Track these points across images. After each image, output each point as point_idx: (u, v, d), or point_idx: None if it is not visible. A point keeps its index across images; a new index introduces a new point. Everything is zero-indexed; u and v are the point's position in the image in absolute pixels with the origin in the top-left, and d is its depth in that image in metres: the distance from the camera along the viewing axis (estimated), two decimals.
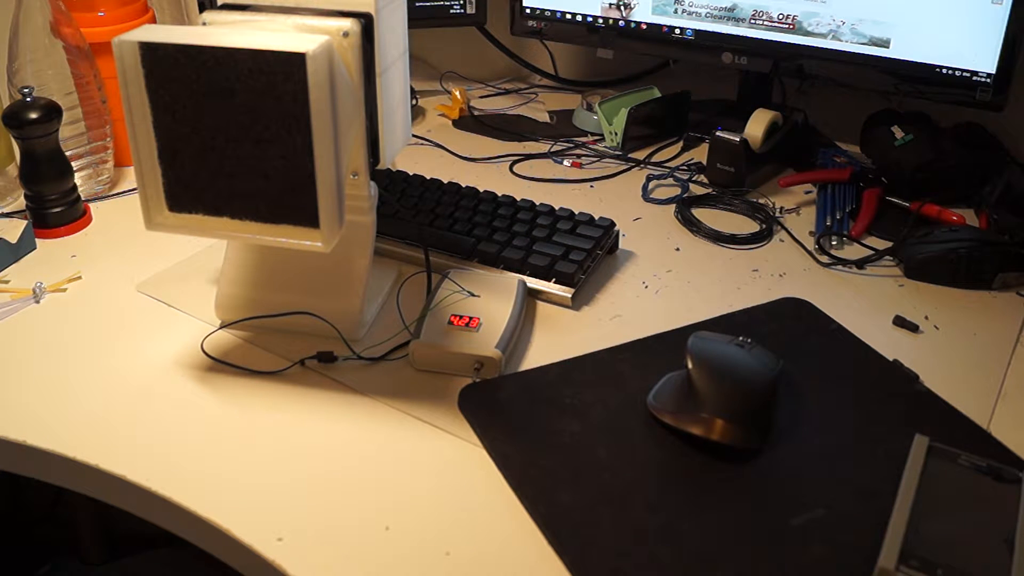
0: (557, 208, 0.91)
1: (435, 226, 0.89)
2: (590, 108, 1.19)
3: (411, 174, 0.98)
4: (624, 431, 0.67)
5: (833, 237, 0.94)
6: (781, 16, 1.07)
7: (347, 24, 0.67)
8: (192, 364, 0.75)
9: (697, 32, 1.13)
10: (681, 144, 1.15)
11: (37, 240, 0.92)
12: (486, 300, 0.78)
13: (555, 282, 0.83)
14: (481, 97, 1.30)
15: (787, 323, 0.79)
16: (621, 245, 0.91)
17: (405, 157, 1.11)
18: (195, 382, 0.73)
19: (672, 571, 0.56)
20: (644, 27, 1.16)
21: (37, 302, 0.83)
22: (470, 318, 0.75)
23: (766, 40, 1.09)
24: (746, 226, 0.97)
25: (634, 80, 1.31)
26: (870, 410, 0.69)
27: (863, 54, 1.03)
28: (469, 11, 1.24)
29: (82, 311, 0.82)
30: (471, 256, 0.85)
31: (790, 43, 1.07)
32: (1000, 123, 1.05)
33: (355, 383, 0.73)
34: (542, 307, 0.83)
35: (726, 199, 1.02)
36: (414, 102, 1.26)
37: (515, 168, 1.09)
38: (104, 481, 0.65)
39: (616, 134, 1.14)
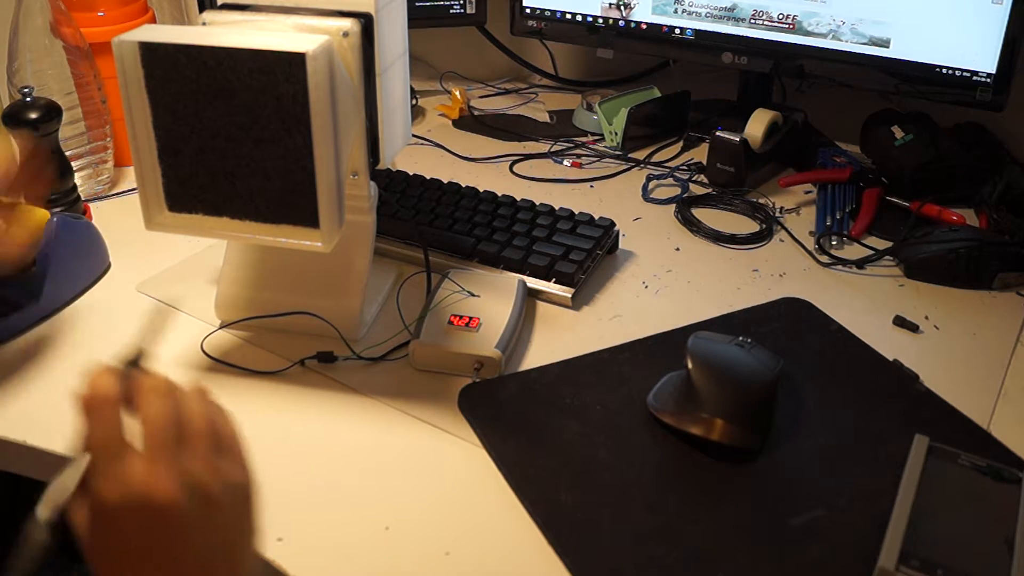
0: (557, 208, 0.91)
1: (435, 226, 0.89)
2: (590, 108, 1.19)
3: (411, 174, 0.98)
4: (624, 431, 0.67)
5: (833, 237, 0.94)
6: (781, 16, 1.07)
7: (347, 24, 0.67)
8: (192, 364, 0.75)
9: (697, 32, 1.13)
10: (681, 144, 1.15)
11: None
12: (486, 300, 0.78)
13: (555, 282, 0.83)
14: (481, 97, 1.30)
15: (787, 323, 0.79)
16: (621, 245, 0.91)
17: (405, 157, 1.11)
18: (195, 382, 0.73)
19: (672, 571, 0.56)
20: (644, 27, 1.16)
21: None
22: (470, 318, 0.75)
23: (766, 40, 1.09)
24: (746, 226, 0.97)
25: (634, 80, 1.31)
26: (870, 410, 0.69)
27: (863, 54, 1.03)
28: (469, 11, 1.24)
29: (82, 311, 0.82)
30: (471, 256, 0.85)
31: (790, 43, 1.07)
32: (1000, 123, 1.05)
33: (355, 383, 0.73)
34: (542, 307, 0.82)
35: (726, 199, 1.02)
36: (414, 102, 1.26)
37: (515, 168, 1.09)
38: None
39: (616, 134, 1.14)
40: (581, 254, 0.84)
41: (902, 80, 1.02)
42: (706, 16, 1.11)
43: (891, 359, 0.75)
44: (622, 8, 1.16)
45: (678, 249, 0.93)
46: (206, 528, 0.47)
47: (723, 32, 1.11)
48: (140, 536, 0.45)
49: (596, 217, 0.90)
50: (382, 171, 0.96)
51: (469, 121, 1.22)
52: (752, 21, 1.09)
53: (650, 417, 0.68)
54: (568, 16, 1.20)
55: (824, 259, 0.91)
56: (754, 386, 0.67)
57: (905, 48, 1.01)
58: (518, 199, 0.93)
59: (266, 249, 0.77)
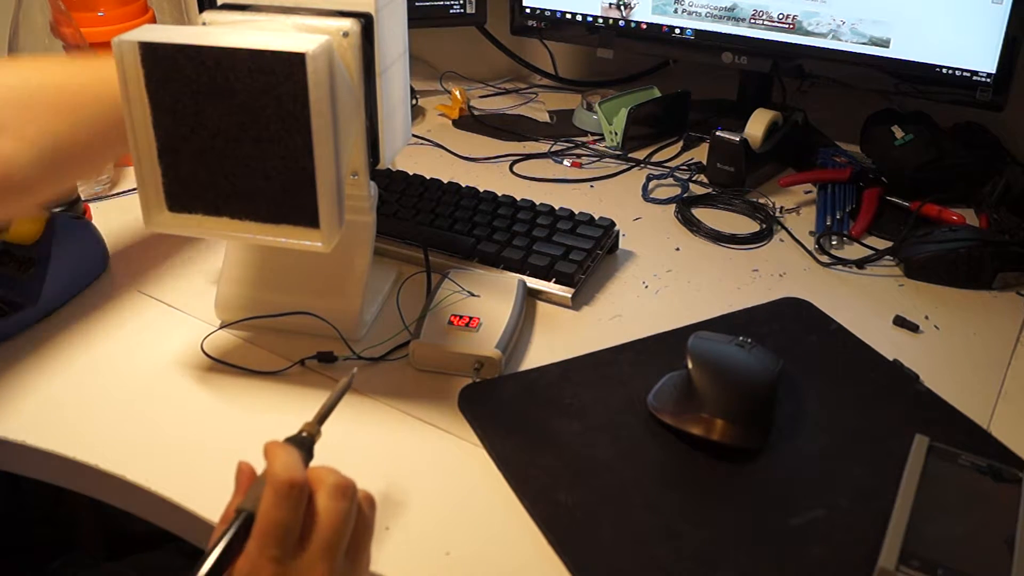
0: (557, 208, 0.91)
1: (435, 226, 0.89)
2: (590, 108, 1.19)
3: (411, 174, 0.98)
4: (624, 431, 0.67)
5: (833, 237, 0.94)
6: (781, 16, 1.07)
7: (347, 24, 0.67)
8: (192, 364, 0.75)
9: (697, 32, 1.13)
10: (681, 144, 1.15)
11: None
12: (486, 300, 0.78)
13: (555, 282, 0.83)
14: (481, 97, 1.30)
15: (787, 323, 0.79)
16: (621, 245, 0.91)
17: (405, 157, 1.11)
18: (195, 382, 0.73)
19: (672, 571, 0.56)
20: (644, 27, 1.16)
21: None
22: (470, 318, 0.75)
23: (766, 40, 1.09)
24: (746, 226, 0.97)
25: (634, 80, 1.31)
26: (870, 410, 0.69)
27: (863, 54, 1.03)
28: (469, 11, 1.24)
29: (82, 311, 0.82)
30: (471, 256, 0.85)
31: (790, 43, 1.07)
32: (1000, 123, 1.05)
33: (355, 383, 0.72)
34: (542, 307, 0.82)
35: (726, 199, 1.02)
36: (414, 102, 1.26)
37: (515, 168, 1.09)
38: (104, 481, 0.65)
39: (616, 134, 1.14)
40: (581, 254, 0.84)
41: (902, 80, 1.02)
42: (706, 16, 1.11)
43: (891, 359, 0.75)
44: (622, 8, 1.16)
45: (678, 249, 0.93)
46: None
47: (723, 32, 1.11)
48: None
49: (596, 217, 0.90)
50: (382, 171, 0.96)
51: (469, 121, 1.22)
52: (752, 21, 1.09)
53: (650, 417, 0.68)
54: (568, 16, 1.20)
55: (824, 259, 0.91)
56: (754, 386, 0.67)
57: (905, 48, 1.01)
58: (518, 199, 0.93)
59: (266, 249, 0.77)
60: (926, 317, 0.82)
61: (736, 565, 0.57)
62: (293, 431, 0.68)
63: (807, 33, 1.06)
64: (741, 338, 0.71)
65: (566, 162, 1.11)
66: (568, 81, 1.35)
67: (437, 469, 0.65)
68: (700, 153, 1.12)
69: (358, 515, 0.50)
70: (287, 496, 0.47)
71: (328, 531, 0.48)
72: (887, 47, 1.02)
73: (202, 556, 0.46)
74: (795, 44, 1.07)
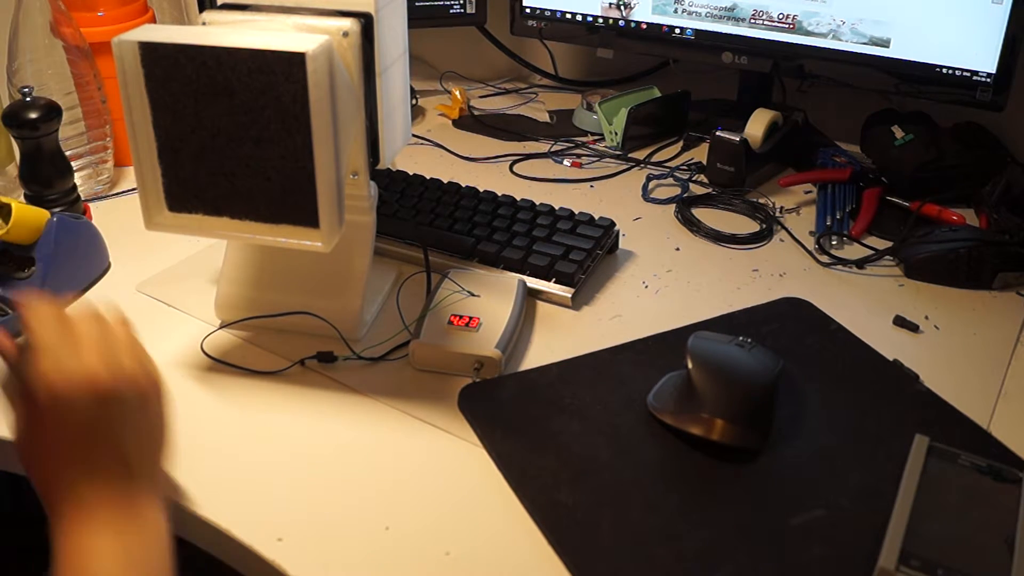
0: (557, 208, 0.91)
1: (435, 226, 0.89)
2: (590, 108, 1.19)
3: (411, 174, 0.98)
4: (624, 431, 0.67)
5: (833, 237, 0.94)
6: (781, 16, 1.07)
7: (347, 24, 0.67)
8: (192, 364, 0.75)
9: (697, 32, 1.13)
10: (681, 144, 1.15)
11: None
12: (486, 300, 0.78)
13: (555, 282, 0.83)
14: (481, 97, 1.30)
15: (787, 323, 0.79)
16: (621, 245, 0.91)
17: (405, 157, 1.11)
18: (195, 382, 0.73)
19: (672, 571, 0.56)
20: (644, 27, 1.16)
21: None
22: (470, 318, 0.75)
23: (766, 40, 1.09)
24: (746, 226, 0.97)
25: (634, 80, 1.31)
26: (870, 410, 0.69)
27: (863, 54, 1.03)
28: (469, 11, 1.24)
29: None
30: (471, 256, 0.85)
31: (790, 43, 1.07)
32: (1000, 123, 1.05)
33: (355, 383, 0.73)
34: (542, 307, 0.82)
35: (726, 199, 1.02)
36: (414, 102, 1.26)
37: (515, 168, 1.09)
38: None
39: (616, 134, 1.14)
40: (581, 254, 0.84)
41: (902, 80, 1.02)
42: (706, 16, 1.11)
43: (891, 359, 0.75)
44: (622, 8, 1.16)
45: (678, 249, 0.93)
46: (140, 413, 0.55)
47: (723, 32, 1.11)
48: (88, 420, 0.52)
49: (596, 217, 0.90)
50: (382, 171, 0.96)
51: (469, 121, 1.22)
52: (752, 21, 1.09)
53: (650, 417, 0.68)
54: (568, 16, 1.20)
55: (824, 259, 0.91)
56: (754, 386, 0.67)
57: (905, 48, 1.01)
58: (518, 199, 0.93)
59: (266, 249, 0.77)
60: (926, 317, 0.82)
61: (736, 565, 0.57)
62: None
63: (807, 33, 1.06)
64: (741, 338, 0.71)
65: (566, 162, 1.11)
66: (568, 81, 1.35)
67: (437, 469, 0.65)
68: (700, 153, 1.12)
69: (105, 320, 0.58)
70: (44, 320, 0.55)
71: (87, 334, 0.55)
72: (887, 47, 1.02)
73: None
74: (795, 44, 1.07)
